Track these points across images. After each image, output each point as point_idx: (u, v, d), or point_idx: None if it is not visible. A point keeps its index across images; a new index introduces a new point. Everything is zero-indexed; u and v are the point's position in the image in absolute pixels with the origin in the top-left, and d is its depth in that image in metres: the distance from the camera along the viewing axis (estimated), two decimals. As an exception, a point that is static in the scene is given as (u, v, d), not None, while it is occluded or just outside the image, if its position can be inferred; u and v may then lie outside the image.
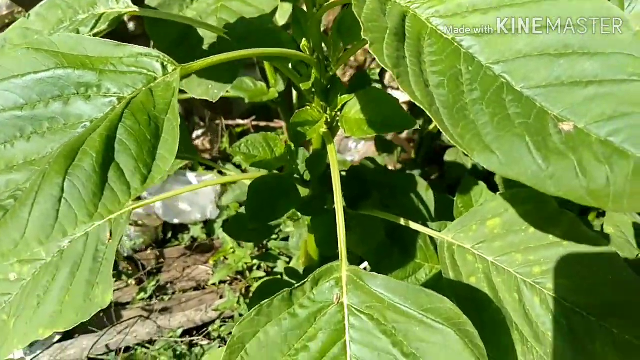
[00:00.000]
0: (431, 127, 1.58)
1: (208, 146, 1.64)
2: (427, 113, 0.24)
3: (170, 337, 1.30)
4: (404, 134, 1.95)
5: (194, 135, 1.66)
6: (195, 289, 1.47)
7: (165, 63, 0.33)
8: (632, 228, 0.86)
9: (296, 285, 0.39)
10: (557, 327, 0.49)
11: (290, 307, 0.38)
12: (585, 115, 0.25)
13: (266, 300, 0.38)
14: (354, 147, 1.73)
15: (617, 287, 0.49)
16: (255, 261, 1.44)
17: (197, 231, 1.55)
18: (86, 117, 0.31)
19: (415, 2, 0.32)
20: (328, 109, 0.50)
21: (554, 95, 0.26)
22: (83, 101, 0.31)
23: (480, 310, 0.50)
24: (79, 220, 0.24)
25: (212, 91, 0.51)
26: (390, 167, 1.45)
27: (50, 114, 0.31)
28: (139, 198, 1.61)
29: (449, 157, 1.53)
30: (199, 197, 1.55)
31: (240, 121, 1.58)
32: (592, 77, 0.26)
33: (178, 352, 1.28)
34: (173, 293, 1.46)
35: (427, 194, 0.72)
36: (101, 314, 1.33)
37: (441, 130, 0.24)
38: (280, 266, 1.39)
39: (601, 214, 1.08)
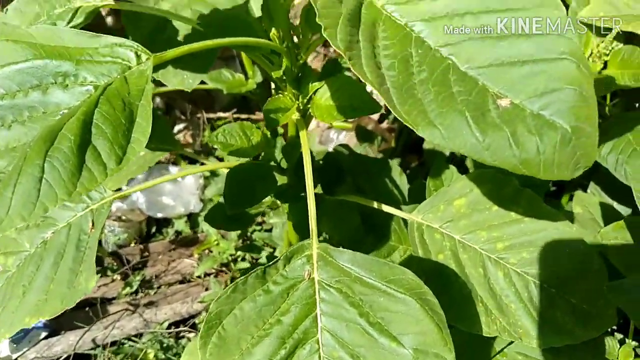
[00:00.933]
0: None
1: (190, 140, 1.65)
2: (377, 92, 0.26)
3: (157, 330, 1.32)
4: (385, 124, 1.98)
5: (176, 129, 1.67)
6: (181, 282, 1.48)
7: (139, 52, 0.35)
8: (599, 207, 0.90)
9: (270, 264, 0.41)
10: (519, 298, 0.52)
11: (264, 284, 0.41)
12: (521, 92, 0.28)
13: (241, 278, 0.40)
14: (335, 137, 1.75)
15: (574, 259, 0.53)
16: (239, 252, 1.45)
17: (181, 225, 1.56)
18: (64, 105, 0.33)
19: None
20: (300, 96, 0.52)
21: (494, 75, 0.29)
22: (61, 90, 0.33)
23: (448, 286, 0.53)
24: (59, 198, 0.26)
25: (187, 81, 0.53)
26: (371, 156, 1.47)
27: (30, 102, 0.33)
28: (120, 190, 1.61)
29: (427, 145, 1.56)
30: (182, 191, 1.56)
31: (221, 114, 1.60)
32: (528, 56, 0.28)
33: (165, 345, 1.29)
34: (158, 287, 1.47)
35: (400, 178, 0.75)
36: (87, 309, 1.34)
37: (389, 109, 0.26)
38: (264, 257, 1.41)
39: (572, 197, 1.11)
